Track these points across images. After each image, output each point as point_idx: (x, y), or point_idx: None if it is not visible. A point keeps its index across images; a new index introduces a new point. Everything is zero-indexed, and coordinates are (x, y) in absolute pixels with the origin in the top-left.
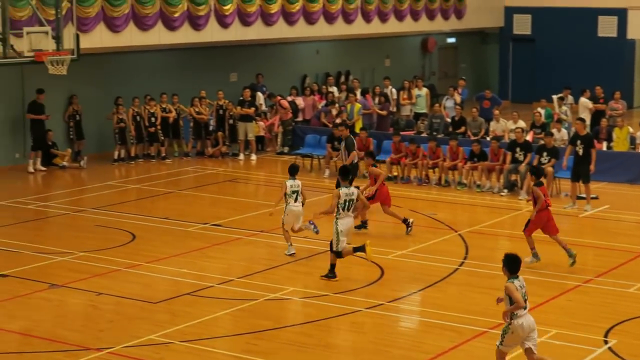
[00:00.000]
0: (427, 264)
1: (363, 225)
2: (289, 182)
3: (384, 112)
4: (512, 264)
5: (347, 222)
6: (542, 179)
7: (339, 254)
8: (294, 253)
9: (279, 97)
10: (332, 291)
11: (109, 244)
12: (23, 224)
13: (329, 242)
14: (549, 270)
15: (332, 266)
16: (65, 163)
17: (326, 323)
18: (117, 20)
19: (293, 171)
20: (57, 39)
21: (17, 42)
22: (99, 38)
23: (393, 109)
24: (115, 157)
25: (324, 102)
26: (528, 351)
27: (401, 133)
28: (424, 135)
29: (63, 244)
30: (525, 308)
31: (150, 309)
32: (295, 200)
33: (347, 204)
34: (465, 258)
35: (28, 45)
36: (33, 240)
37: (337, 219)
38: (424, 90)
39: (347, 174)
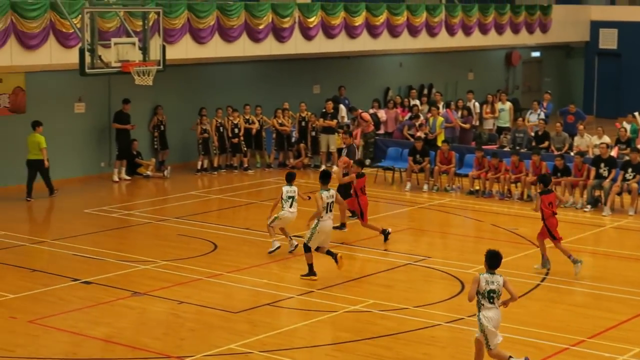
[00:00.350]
0: (508, 279)
1: (342, 227)
2: (285, 188)
3: (466, 126)
4: (490, 260)
5: (327, 224)
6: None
7: (308, 249)
8: (278, 247)
9: (360, 111)
10: (411, 304)
11: (190, 253)
12: (107, 232)
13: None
14: (629, 287)
15: (310, 266)
16: (149, 172)
17: (405, 336)
18: (202, 32)
19: (290, 178)
20: (144, 50)
21: (105, 52)
22: (184, 49)
23: (476, 122)
24: (199, 167)
25: (407, 115)
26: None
27: (483, 147)
28: (506, 149)
29: (146, 253)
30: (492, 304)
31: (231, 319)
32: (291, 205)
33: (328, 206)
34: (547, 274)
35: (115, 56)
36: (117, 248)
37: (318, 220)
38: (508, 104)
39: (326, 178)
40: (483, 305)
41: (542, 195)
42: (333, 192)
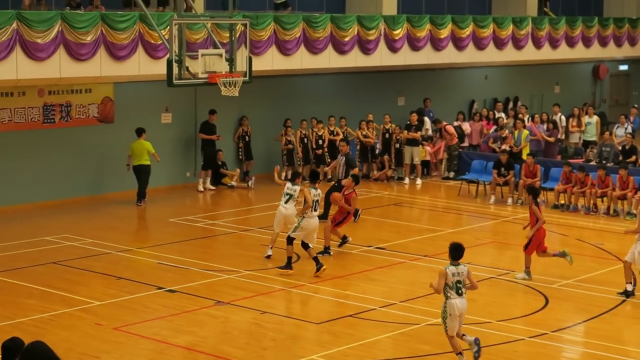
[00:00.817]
0: (592, 294)
1: (344, 241)
2: (288, 185)
3: (551, 139)
4: (454, 251)
5: (311, 221)
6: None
7: (290, 241)
8: (269, 255)
9: (444, 123)
10: (494, 318)
11: (273, 263)
12: (192, 241)
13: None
14: None
15: (289, 259)
16: (233, 183)
17: (487, 350)
18: (288, 44)
19: (294, 176)
20: (231, 61)
21: (192, 63)
22: (270, 61)
23: (562, 136)
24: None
25: (493, 128)
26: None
27: (569, 161)
28: (592, 163)
29: (229, 262)
30: (459, 295)
31: (313, 329)
32: (287, 202)
33: (314, 204)
34: (633, 290)
35: (202, 67)
36: (201, 257)
37: (303, 216)
38: (594, 118)
39: (315, 177)
40: (449, 296)
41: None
42: (319, 192)
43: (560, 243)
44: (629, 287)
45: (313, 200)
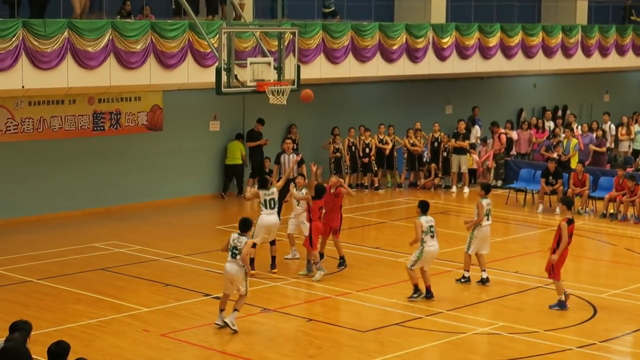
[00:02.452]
0: None
1: (341, 262)
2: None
3: (601, 149)
4: (423, 206)
5: (264, 219)
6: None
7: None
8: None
9: (501, 130)
10: (542, 328)
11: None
12: None
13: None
14: None
15: (252, 260)
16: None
17: None
18: (336, 52)
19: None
20: (279, 69)
21: (240, 72)
22: (318, 69)
23: (611, 145)
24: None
25: (545, 136)
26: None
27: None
28: None
29: (276, 270)
30: (432, 237)
31: (359, 338)
32: (272, 207)
33: (266, 202)
34: None
35: (251, 75)
36: None
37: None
38: None
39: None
40: (426, 242)
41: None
42: (274, 189)
43: (609, 253)
44: None
45: (264, 199)
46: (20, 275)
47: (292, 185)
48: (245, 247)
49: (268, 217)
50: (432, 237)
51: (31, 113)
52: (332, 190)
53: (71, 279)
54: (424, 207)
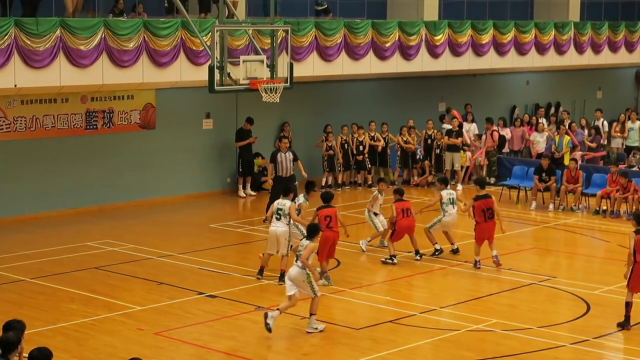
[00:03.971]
0: (635, 301)
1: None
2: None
3: (594, 145)
4: (444, 181)
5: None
6: None
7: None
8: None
9: (493, 127)
10: (535, 325)
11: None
12: (232, 246)
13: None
14: None
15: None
16: None
17: (529, 357)
18: (329, 50)
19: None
20: (272, 67)
21: (233, 70)
22: (311, 67)
23: (604, 141)
24: (323, 183)
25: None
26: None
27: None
28: (635, 169)
29: (269, 268)
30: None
31: (353, 335)
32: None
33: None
34: None
35: (244, 73)
36: (241, 263)
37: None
38: (638, 123)
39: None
40: (447, 211)
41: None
42: (286, 202)
43: (602, 249)
44: None
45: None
46: (14, 274)
47: (293, 206)
48: (306, 250)
49: (271, 228)
50: (453, 207)
51: (24, 112)
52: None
53: (65, 278)
54: (444, 182)
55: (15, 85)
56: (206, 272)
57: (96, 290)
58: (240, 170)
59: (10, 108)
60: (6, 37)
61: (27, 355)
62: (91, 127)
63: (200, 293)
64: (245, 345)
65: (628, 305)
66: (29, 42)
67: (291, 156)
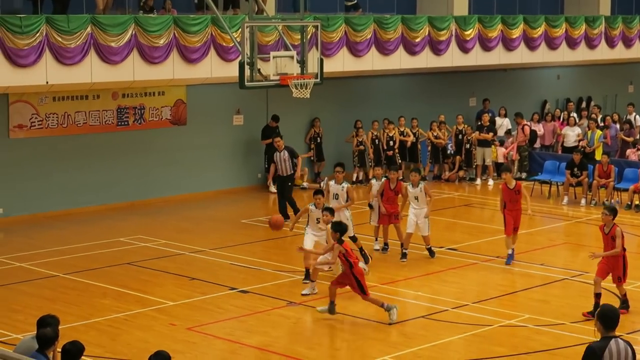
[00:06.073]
0: None
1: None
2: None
3: (630, 139)
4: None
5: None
6: None
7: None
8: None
9: (524, 122)
10: (568, 320)
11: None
12: (263, 242)
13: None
14: None
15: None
16: (305, 184)
17: (562, 352)
18: (359, 45)
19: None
20: (302, 63)
21: (263, 66)
22: (341, 62)
23: (637, 136)
24: (354, 179)
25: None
26: None
27: None
28: None
29: (301, 263)
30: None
31: (385, 330)
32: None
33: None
34: None
35: (274, 69)
36: (272, 258)
37: None
38: None
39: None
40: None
41: None
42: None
43: (634, 244)
44: None
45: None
46: (47, 270)
47: (311, 207)
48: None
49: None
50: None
51: (55, 108)
52: (392, 186)
53: (97, 274)
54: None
55: (47, 82)
56: (237, 268)
57: (128, 285)
58: (267, 167)
59: (42, 105)
60: (37, 35)
61: (60, 350)
62: (122, 123)
63: (232, 288)
64: (277, 341)
65: None
66: (60, 39)
67: (287, 155)
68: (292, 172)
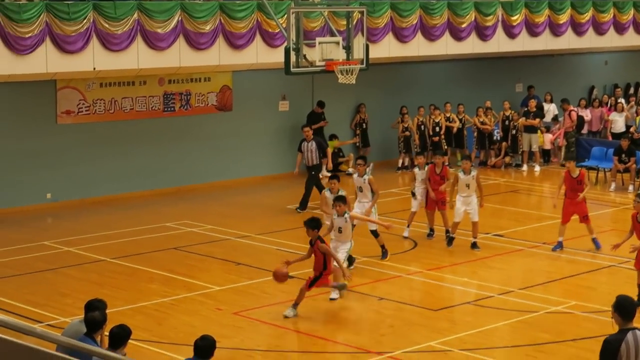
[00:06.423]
0: None
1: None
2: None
3: None
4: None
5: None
6: None
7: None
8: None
9: (571, 107)
10: None
11: (391, 250)
12: None
13: None
14: None
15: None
16: (351, 170)
17: None
18: (405, 31)
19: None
20: (348, 48)
21: (309, 51)
22: (387, 48)
23: None
24: (399, 165)
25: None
26: None
27: None
28: None
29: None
30: None
31: (430, 316)
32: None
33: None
34: None
35: (320, 55)
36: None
37: None
38: None
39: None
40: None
41: None
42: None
43: None
44: None
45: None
46: (95, 254)
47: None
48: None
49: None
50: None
51: (103, 94)
52: (437, 171)
53: (144, 258)
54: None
55: (94, 69)
56: (283, 253)
57: (175, 270)
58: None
59: (89, 91)
60: (85, 21)
61: (107, 333)
62: (169, 109)
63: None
64: (323, 326)
65: None
66: (107, 26)
67: (314, 145)
68: (317, 162)
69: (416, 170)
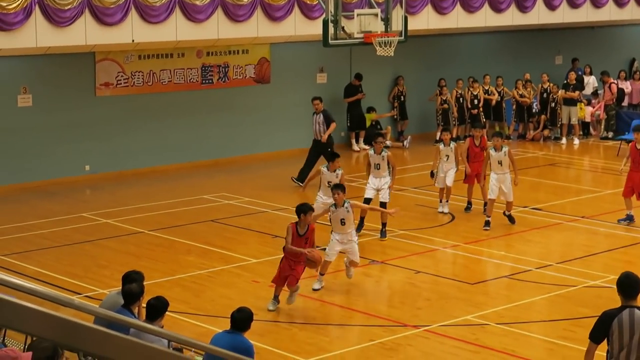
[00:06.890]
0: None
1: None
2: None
3: None
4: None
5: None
6: None
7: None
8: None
9: (611, 80)
10: None
11: (428, 223)
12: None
13: None
14: None
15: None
16: (388, 142)
17: None
18: (444, 3)
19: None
20: (386, 20)
21: (347, 23)
22: (425, 20)
23: None
24: (437, 138)
25: None
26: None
27: None
28: None
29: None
30: None
31: (467, 290)
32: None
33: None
34: None
35: (358, 27)
36: (355, 216)
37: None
38: None
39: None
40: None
41: None
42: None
43: None
44: None
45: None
46: (132, 226)
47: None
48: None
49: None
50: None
51: (141, 66)
52: (477, 143)
53: (181, 230)
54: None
55: (133, 41)
56: (320, 226)
57: (212, 242)
58: (349, 125)
59: (128, 63)
60: None
61: (144, 305)
62: (207, 81)
63: (316, 246)
64: (358, 299)
65: None
66: None
67: (321, 118)
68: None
69: (441, 146)
